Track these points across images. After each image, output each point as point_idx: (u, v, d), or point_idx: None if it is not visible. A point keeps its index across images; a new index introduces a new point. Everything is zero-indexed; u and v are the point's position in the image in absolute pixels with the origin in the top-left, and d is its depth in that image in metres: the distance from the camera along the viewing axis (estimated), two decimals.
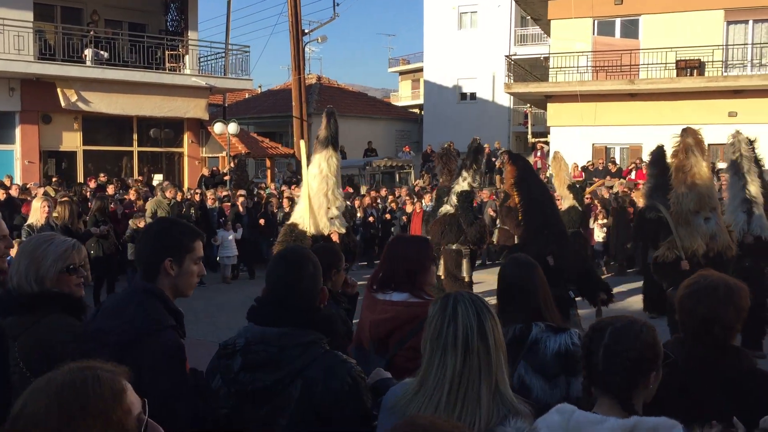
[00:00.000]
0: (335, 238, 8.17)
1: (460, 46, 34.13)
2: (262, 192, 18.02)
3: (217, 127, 20.52)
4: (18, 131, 19.30)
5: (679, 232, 7.16)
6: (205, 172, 20.75)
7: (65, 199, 10.43)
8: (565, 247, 7.34)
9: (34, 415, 1.29)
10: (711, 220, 7.12)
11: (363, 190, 20.24)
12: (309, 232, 8.12)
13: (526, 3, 24.98)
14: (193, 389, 2.40)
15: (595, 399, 2.13)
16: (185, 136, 22.41)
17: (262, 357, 2.35)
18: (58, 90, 18.97)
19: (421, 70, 38.67)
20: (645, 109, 21.79)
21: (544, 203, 7.54)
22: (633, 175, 19.78)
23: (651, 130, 19.79)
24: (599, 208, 14.65)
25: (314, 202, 8.24)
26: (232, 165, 20.36)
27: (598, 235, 14.50)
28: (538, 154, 24.59)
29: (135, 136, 21.75)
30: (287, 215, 12.90)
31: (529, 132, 29.91)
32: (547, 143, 24.79)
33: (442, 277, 9.19)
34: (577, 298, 7.57)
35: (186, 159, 22.51)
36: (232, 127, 20.27)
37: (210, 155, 22.99)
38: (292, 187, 18.13)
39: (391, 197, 17.99)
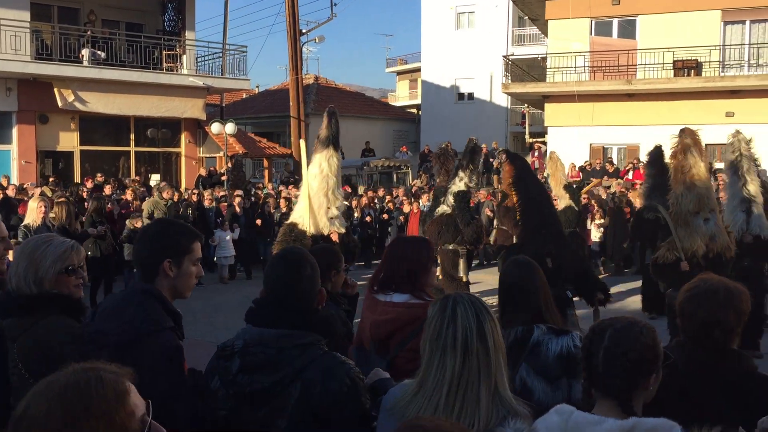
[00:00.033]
0: (335, 238, 8.17)
1: (458, 46, 34.11)
2: (259, 192, 17.99)
3: (215, 127, 20.49)
4: (15, 131, 19.26)
5: (678, 232, 7.16)
6: (203, 172, 20.71)
7: (62, 199, 10.40)
8: (562, 246, 7.34)
9: (37, 416, 1.29)
10: (710, 220, 7.13)
11: (360, 190, 20.24)
12: (309, 231, 8.12)
13: (524, 3, 24.98)
14: (191, 390, 2.40)
15: (595, 400, 2.13)
16: (182, 136, 22.37)
17: (260, 359, 2.34)
18: (55, 90, 18.94)
19: (418, 70, 38.65)
20: (642, 109, 21.80)
21: (541, 203, 7.54)
22: (630, 175, 19.78)
23: (648, 130, 19.81)
24: (596, 208, 14.66)
25: (314, 202, 8.24)
26: (229, 165, 20.33)
27: (595, 235, 14.52)
28: (536, 154, 24.63)
29: (132, 136, 21.71)
30: (284, 215, 12.91)
31: (527, 132, 29.96)
32: (544, 143, 24.81)
33: (440, 278, 9.20)
34: (574, 298, 7.57)
35: (183, 159, 22.47)
36: (230, 127, 20.23)
37: (207, 155, 22.94)
38: (290, 187, 18.12)
39: (388, 197, 17.99)
